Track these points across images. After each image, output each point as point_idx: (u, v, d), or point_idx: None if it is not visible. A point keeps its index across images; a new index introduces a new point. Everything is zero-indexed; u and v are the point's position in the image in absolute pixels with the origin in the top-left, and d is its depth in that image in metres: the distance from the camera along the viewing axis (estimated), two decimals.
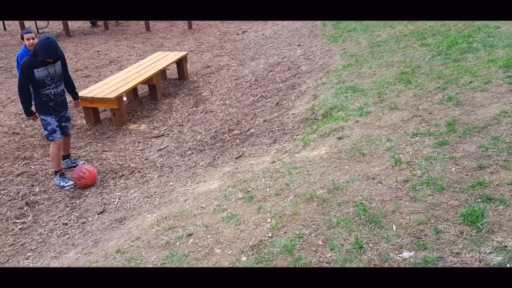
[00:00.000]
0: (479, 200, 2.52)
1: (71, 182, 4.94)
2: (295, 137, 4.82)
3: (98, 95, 6.18)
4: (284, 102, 6.15)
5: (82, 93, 6.23)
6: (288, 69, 7.54)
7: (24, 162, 5.44)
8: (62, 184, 4.94)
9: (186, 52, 8.56)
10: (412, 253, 2.26)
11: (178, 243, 3.01)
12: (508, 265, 1.97)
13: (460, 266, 2.09)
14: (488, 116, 3.51)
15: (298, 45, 8.93)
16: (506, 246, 2.11)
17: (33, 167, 5.35)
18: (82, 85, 7.40)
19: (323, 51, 7.87)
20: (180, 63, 8.10)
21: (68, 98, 5.23)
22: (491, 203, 2.46)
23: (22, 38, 5.22)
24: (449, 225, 2.39)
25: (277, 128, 5.30)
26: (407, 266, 2.20)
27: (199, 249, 2.88)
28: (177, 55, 8.11)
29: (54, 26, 13.69)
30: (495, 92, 3.92)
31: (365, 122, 4.23)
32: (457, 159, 3.03)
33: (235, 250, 2.76)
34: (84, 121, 6.49)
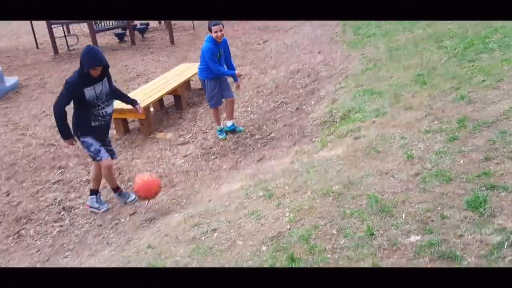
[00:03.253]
0: (484, 188, 2.66)
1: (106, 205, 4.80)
2: (313, 139, 5.01)
3: (127, 106, 6.51)
4: (304, 107, 6.35)
5: None
6: (308, 75, 7.74)
7: (59, 171, 5.79)
8: (96, 205, 4.79)
9: None
10: (418, 237, 2.42)
11: (203, 238, 3.24)
12: (506, 244, 2.11)
13: (462, 246, 2.24)
14: (497, 112, 3.63)
15: (318, 52, 9.12)
16: (505, 228, 2.26)
17: (68, 175, 5.69)
18: None
19: (343, 57, 8.04)
20: None
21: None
22: (495, 190, 2.60)
23: (210, 30, 5.50)
24: (454, 212, 2.54)
25: (296, 132, 5.50)
26: (414, 249, 2.36)
27: (222, 242, 3.10)
28: None
29: (84, 43, 14.28)
30: (506, 89, 4.03)
31: (381, 122, 4.39)
32: (465, 152, 3.18)
33: (256, 241, 2.97)
34: (114, 131, 6.83)
